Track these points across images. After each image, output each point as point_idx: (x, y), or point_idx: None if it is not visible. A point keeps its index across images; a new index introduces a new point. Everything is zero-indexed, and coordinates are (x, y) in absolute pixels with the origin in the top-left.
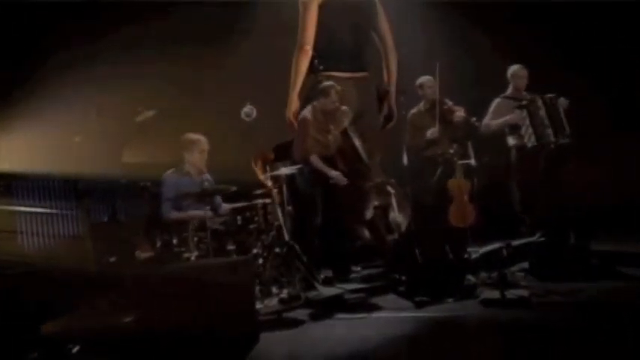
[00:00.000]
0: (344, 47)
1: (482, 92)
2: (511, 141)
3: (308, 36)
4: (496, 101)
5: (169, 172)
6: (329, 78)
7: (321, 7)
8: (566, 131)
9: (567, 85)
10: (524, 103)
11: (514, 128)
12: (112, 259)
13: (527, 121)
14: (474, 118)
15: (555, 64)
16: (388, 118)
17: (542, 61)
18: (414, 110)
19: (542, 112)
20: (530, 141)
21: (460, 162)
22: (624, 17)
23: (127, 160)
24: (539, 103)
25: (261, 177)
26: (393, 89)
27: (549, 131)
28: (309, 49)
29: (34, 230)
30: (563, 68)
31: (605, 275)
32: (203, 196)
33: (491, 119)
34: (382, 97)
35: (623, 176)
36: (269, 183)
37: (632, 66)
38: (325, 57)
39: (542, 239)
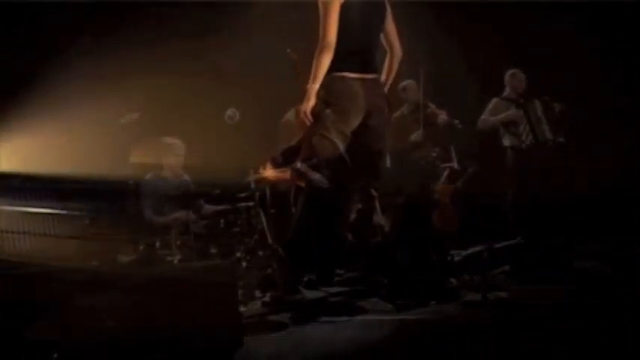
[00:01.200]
0: (355, 47)
1: (475, 95)
2: (507, 141)
3: (331, 35)
4: (494, 101)
5: (147, 176)
6: (342, 78)
7: (340, 7)
8: (562, 132)
9: (565, 86)
10: (521, 102)
11: (511, 126)
12: (94, 262)
13: (525, 119)
14: (457, 121)
15: (552, 67)
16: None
17: (539, 64)
18: (396, 114)
19: (540, 112)
20: (527, 139)
21: (443, 165)
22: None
23: (135, 161)
24: (537, 103)
25: (270, 177)
26: (389, 83)
27: (547, 128)
28: (332, 48)
29: (17, 230)
30: (560, 70)
31: (586, 276)
32: (185, 198)
33: (489, 116)
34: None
35: (620, 176)
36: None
37: (632, 66)
38: (337, 56)
39: (524, 241)
